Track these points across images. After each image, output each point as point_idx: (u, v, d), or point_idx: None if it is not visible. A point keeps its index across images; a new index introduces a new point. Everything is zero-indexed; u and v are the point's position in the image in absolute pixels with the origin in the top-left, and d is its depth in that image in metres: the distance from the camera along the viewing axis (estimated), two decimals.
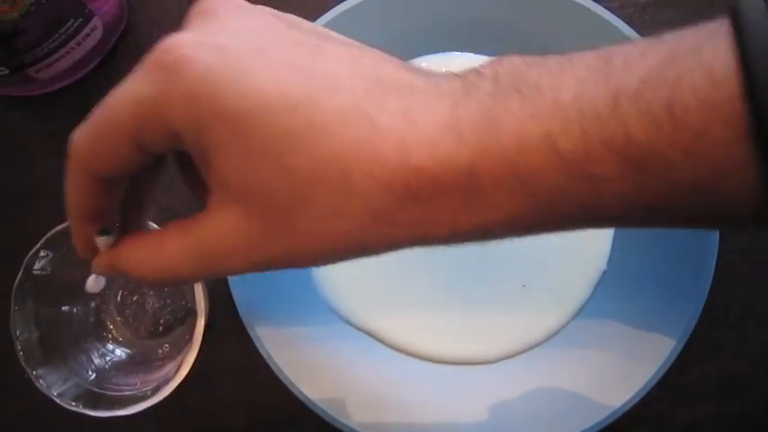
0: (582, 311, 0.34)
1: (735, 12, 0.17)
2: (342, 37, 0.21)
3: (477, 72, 0.20)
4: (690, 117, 0.16)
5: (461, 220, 0.19)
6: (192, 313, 0.33)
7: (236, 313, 0.32)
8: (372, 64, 0.20)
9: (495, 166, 0.18)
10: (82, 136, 0.20)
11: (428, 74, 0.20)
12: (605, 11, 0.33)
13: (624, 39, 0.32)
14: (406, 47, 0.35)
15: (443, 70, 0.21)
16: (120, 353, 0.34)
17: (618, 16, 0.33)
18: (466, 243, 0.20)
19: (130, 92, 0.19)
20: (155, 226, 0.28)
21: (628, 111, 0.17)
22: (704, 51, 0.16)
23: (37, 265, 0.30)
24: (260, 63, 0.19)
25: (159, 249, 0.21)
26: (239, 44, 0.19)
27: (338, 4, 0.33)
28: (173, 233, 0.21)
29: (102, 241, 0.22)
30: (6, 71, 0.34)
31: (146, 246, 0.22)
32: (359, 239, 0.19)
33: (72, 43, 0.35)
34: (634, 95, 0.17)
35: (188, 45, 0.19)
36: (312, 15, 0.33)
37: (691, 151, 0.16)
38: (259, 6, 0.21)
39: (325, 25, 0.33)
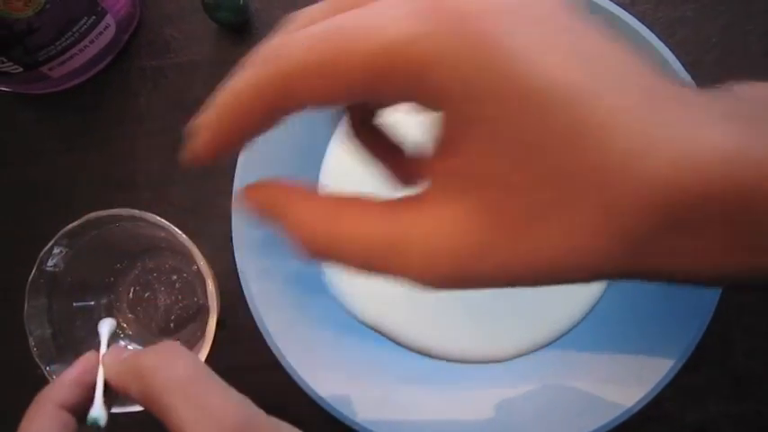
0: (594, 311, 0.34)
1: None
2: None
3: (724, 92, 0.17)
4: None
5: (733, 259, 0.16)
6: (204, 309, 0.34)
7: (248, 310, 0.32)
8: (637, 61, 0.17)
9: None
10: (307, 52, 0.16)
11: (688, 84, 0.17)
12: (617, 7, 0.32)
13: (637, 35, 0.32)
14: None
15: None
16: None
17: (630, 13, 0.32)
18: (714, 287, 0.17)
19: (393, 27, 0.15)
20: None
21: None
22: None
23: (50, 262, 0.30)
24: (543, 39, 0.15)
25: (335, 221, 0.18)
26: (522, 9, 0.16)
27: None
28: (358, 208, 0.17)
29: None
30: (20, 69, 0.34)
31: (319, 208, 0.18)
32: (596, 266, 0.16)
33: (85, 41, 0.35)
34: None
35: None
36: None
37: None
38: None
39: None
